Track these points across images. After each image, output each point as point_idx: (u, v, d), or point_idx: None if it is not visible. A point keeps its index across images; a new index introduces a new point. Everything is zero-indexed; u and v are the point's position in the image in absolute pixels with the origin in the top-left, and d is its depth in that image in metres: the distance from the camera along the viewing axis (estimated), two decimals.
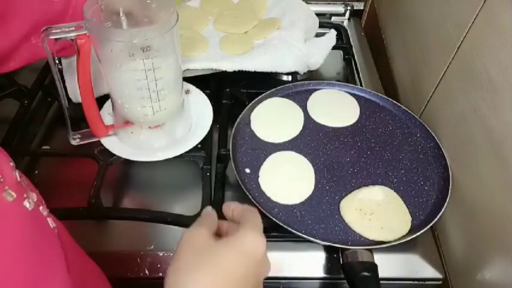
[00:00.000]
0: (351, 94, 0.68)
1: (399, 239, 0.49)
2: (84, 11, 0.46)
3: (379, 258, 0.48)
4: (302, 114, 0.64)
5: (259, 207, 0.50)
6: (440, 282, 0.52)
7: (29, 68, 0.75)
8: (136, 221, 0.53)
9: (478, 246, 0.48)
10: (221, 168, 0.58)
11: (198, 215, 0.53)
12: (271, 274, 0.51)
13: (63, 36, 0.47)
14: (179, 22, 0.49)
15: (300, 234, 0.48)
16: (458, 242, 0.52)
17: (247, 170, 0.56)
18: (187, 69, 0.65)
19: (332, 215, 0.52)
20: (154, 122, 0.56)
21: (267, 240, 0.51)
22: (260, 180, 0.54)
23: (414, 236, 0.48)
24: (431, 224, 0.50)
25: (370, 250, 0.48)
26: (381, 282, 0.46)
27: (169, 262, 0.49)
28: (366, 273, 0.46)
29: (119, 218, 0.53)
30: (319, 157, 0.58)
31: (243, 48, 0.70)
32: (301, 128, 0.62)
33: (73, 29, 0.47)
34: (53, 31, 0.46)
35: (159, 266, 0.50)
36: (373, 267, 0.47)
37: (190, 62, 0.65)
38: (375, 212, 0.51)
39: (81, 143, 0.57)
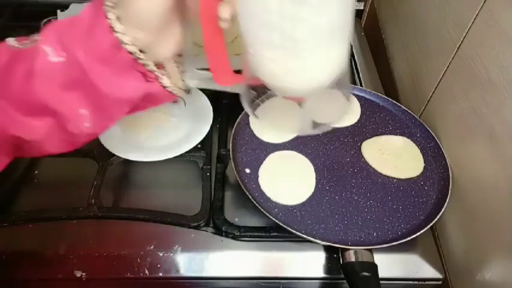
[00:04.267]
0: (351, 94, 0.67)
1: (408, 179, 0.54)
2: None
3: (379, 258, 0.48)
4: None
5: (259, 207, 0.50)
6: (440, 282, 0.52)
7: None
8: (136, 221, 0.53)
9: (478, 246, 0.48)
10: (221, 168, 0.58)
11: (198, 215, 0.53)
12: (271, 274, 0.51)
13: None
14: None
15: (300, 234, 0.48)
16: (458, 242, 0.52)
17: (247, 170, 0.56)
18: None
19: (332, 215, 0.52)
20: (286, 91, 0.38)
21: (267, 240, 0.52)
22: (260, 180, 0.54)
23: (414, 236, 0.48)
24: (431, 224, 0.50)
25: (370, 250, 0.48)
26: (381, 282, 0.46)
27: (169, 262, 0.50)
28: (366, 273, 0.46)
29: (119, 218, 0.53)
30: (319, 157, 0.58)
31: (243, 48, 0.70)
32: None
33: None
34: None
35: (159, 266, 0.50)
36: (373, 267, 0.47)
37: (190, 61, 0.65)
38: (392, 153, 0.58)
39: (199, 87, 0.45)
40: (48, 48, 0.33)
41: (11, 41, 0.36)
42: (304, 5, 0.30)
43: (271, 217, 0.49)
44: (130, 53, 0.34)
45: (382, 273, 0.46)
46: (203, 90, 0.66)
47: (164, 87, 0.39)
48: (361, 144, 0.60)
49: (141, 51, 0.35)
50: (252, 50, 0.36)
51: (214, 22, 0.35)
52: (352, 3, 0.34)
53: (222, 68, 0.40)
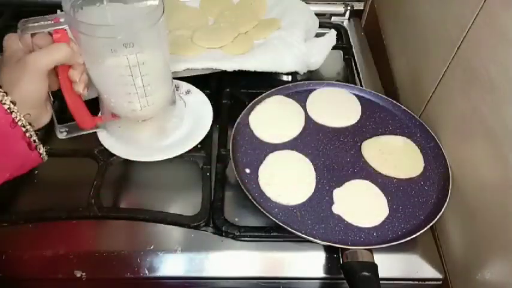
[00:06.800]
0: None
1: (408, 179, 0.56)
2: (63, 2, 0.45)
3: (379, 258, 0.48)
4: (302, 114, 0.64)
5: (259, 207, 0.50)
6: (440, 282, 0.52)
7: None
8: (136, 221, 0.53)
9: (478, 246, 0.48)
10: (221, 168, 0.58)
11: (198, 215, 0.53)
12: (271, 274, 0.51)
13: (40, 30, 0.45)
14: (171, 19, 0.48)
15: (300, 234, 0.48)
16: (458, 242, 0.52)
17: (247, 170, 0.56)
18: (187, 69, 0.65)
19: (332, 215, 0.52)
20: (143, 117, 0.56)
21: (267, 240, 0.52)
22: (260, 180, 0.54)
23: (414, 236, 0.48)
24: (431, 224, 0.50)
25: (370, 250, 0.48)
26: (381, 282, 0.46)
27: (169, 262, 0.50)
28: (366, 273, 0.46)
29: (119, 218, 0.53)
30: (319, 157, 0.58)
31: (243, 48, 0.70)
32: (301, 128, 0.62)
33: (51, 22, 0.45)
34: (29, 25, 0.44)
35: (159, 266, 0.50)
36: (373, 267, 0.47)
37: (190, 61, 0.65)
38: (392, 154, 0.59)
39: (69, 136, 0.56)
40: None
41: None
42: (143, 67, 0.48)
43: (271, 217, 0.49)
44: (23, 126, 0.43)
45: (382, 273, 0.46)
46: (203, 90, 0.66)
47: (39, 154, 0.46)
48: (361, 144, 0.60)
49: (29, 124, 0.43)
50: (114, 99, 0.52)
51: (71, 87, 0.49)
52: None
53: (84, 118, 0.55)
